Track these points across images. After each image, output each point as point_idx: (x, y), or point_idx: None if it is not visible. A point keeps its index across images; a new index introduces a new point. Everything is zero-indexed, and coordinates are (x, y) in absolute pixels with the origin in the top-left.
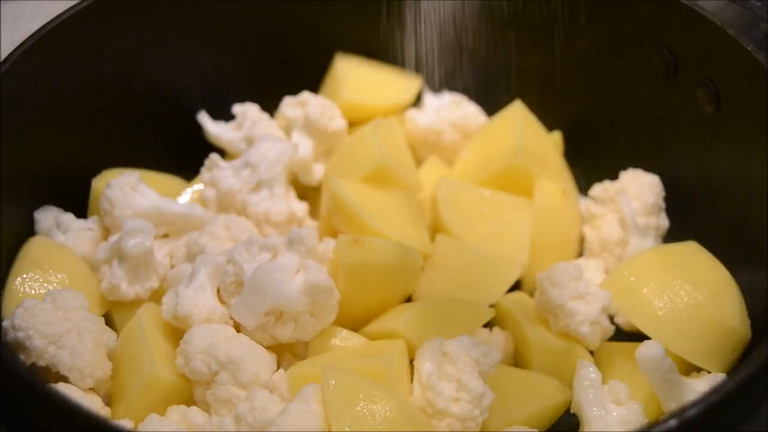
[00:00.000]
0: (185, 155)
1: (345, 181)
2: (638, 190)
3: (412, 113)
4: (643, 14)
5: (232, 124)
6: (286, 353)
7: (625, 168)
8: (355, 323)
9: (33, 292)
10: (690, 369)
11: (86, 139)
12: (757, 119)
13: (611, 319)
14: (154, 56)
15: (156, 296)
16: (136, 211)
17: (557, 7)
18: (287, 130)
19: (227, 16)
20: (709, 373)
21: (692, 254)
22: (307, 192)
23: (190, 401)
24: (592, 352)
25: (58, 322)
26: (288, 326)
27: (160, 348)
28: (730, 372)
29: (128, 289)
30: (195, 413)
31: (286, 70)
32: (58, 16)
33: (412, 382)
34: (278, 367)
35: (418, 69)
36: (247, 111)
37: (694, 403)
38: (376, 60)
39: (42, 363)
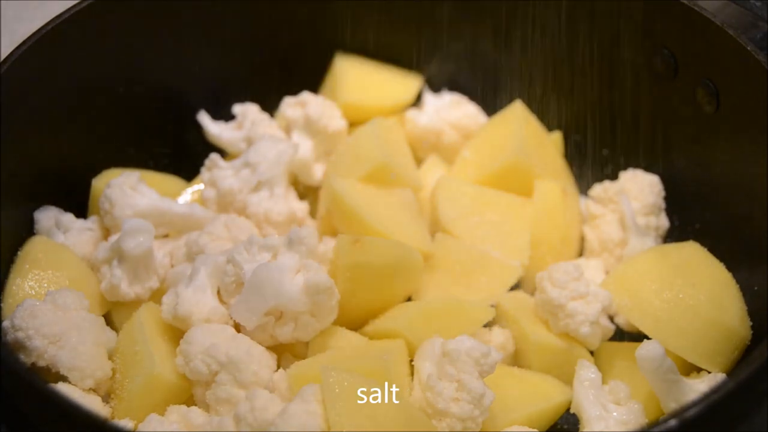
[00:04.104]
0: (185, 155)
1: (345, 181)
2: (638, 190)
3: (412, 113)
4: (643, 14)
5: (232, 124)
6: (286, 353)
7: (625, 168)
8: (355, 323)
9: (33, 292)
10: (690, 369)
11: (86, 139)
12: (757, 119)
13: (611, 319)
14: (154, 56)
15: (156, 296)
16: (136, 211)
17: (557, 7)
18: (287, 130)
19: (227, 16)
20: (709, 373)
21: (692, 254)
22: (307, 192)
23: (190, 401)
24: (592, 352)
25: (58, 322)
26: (288, 326)
27: (160, 348)
28: (730, 372)
29: (128, 289)
30: (195, 413)
31: (286, 70)
32: (58, 16)
33: (412, 382)
34: (278, 367)
35: (418, 69)
36: (247, 111)
37: (694, 403)
38: (376, 60)
39: (42, 363)
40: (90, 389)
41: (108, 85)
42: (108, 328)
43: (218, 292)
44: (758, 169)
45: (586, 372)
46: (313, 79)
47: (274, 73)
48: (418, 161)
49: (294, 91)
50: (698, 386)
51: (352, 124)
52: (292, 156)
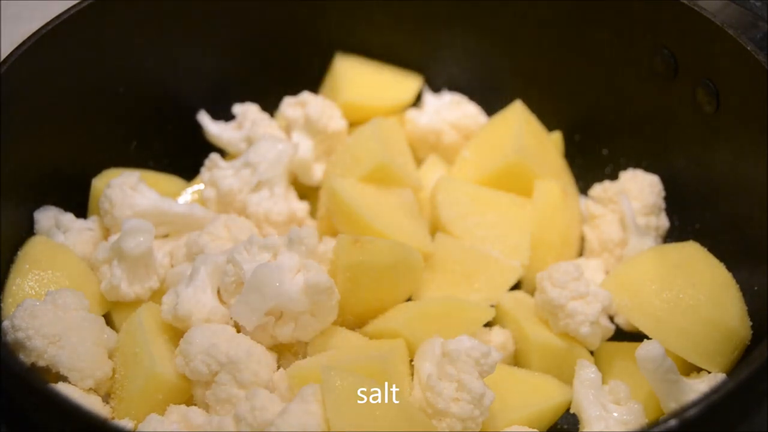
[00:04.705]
0: (185, 155)
1: (345, 181)
2: (638, 190)
3: (412, 113)
4: (643, 14)
5: (232, 124)
6: (286, 353)
7: (625, 168)
8: (355, 323)
9: (33, 292)
10: (690, 369)
11: (86, 139)
12: (757, 119)
13: (611, 319)
14: (154, 56)
15: (156, 296)
16: (136, 211)
17: (557, 7)
18: (287, 130)
19: (227, 16)
20: (709, 373)
21: (692, 254)
22: (307, 192)
23: (190, 401)
24: (592, 352)
25: (58, 322)
26: (288, 326)
27: (160, 348)
28: (730, 372)
29: (128, 289)
30: (195, 413)
31: (286, 70)
32: (58, 16)
33: (412, 382)
34: (278, 367)
35: (418, 69)
36: (247, 111)
37: (694, 403)
38: (376, 60)
39: (42, 363)
40: (90, 389)
41: (108, 85)
42: (108, 328)
43: (218, 292)
44: (758, 169)
45: (586, 372)
46: (313, 79)
47: (274, 73)
48: (418, 161)
49: (294, 91)
50: (698, 386)
51: (352, 124)
52: (292, 156)
